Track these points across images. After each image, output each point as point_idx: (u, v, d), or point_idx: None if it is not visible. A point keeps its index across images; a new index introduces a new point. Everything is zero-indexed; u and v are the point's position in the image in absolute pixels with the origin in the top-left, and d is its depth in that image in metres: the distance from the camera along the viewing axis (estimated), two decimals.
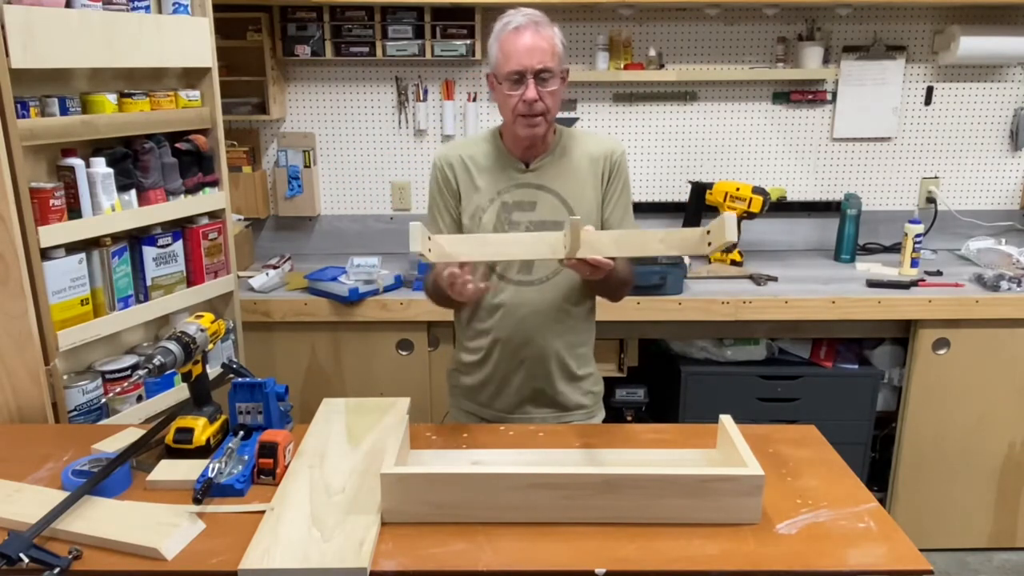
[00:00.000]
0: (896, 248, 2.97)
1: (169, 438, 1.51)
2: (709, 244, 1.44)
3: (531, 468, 1.32)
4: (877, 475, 2.82)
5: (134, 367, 1.94)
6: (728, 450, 1.41)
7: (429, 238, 1.46)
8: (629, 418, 2.76)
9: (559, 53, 1.66)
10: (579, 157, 1.76)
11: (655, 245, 1.49)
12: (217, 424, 1.55)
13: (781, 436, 1.59)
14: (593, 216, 1.75)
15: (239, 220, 2.93)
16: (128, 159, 1.93)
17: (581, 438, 1.58)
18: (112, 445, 1.54)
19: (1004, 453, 2.71)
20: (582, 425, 1.84)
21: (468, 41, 2.86)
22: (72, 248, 1.81)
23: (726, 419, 1.47)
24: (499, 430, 1.65)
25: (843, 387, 2.70)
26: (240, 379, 1.55)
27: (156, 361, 1.42)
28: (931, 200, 3.15)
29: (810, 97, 3.06)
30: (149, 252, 2.01)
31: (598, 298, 1.85)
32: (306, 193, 3.06)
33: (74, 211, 1.80)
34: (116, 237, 1.92)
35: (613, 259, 1.49)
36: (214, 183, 2.18)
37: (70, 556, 1.19)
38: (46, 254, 1.75)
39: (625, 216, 1.79)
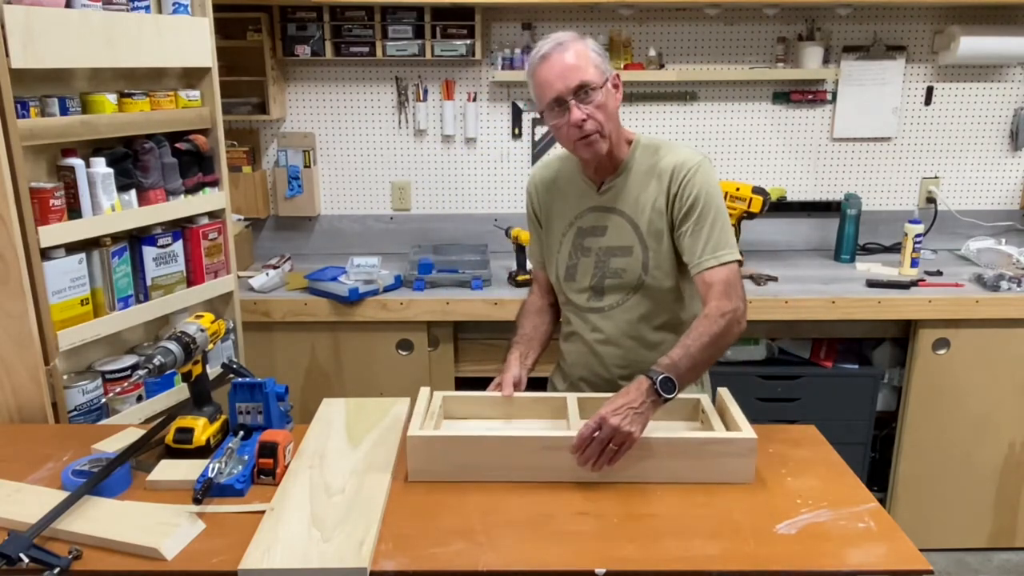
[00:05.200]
0: (896, 248, 2.97)
1: (169, 438, 1.51)
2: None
3: (546, 432, 1.44)
4: (877, 475, 2.82)
5: (134, 367, 1.94)
6: (727, 418, 1.51)
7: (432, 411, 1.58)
8: None
9: (596, 63, 1.54)
10: (648, 171, 1.64)
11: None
12: (217, 424, 1.55)
13: (781, 436, 1.59)
14: (663, 236, 1.62)
15: (239, 220, 2.93)
16: (128, 159, 1.93)
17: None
18: (112, 445, 1.54)
19: (1004, 453, 2.71)
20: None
21: (468, 41, 2.86)
22: (72, 248, 1.81)
23: (724, 391, 1.59)
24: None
25: (843, 387, 2.70)
26: (240, 379, 1.55)
27: (156, 361, 1.42)
28: (931, 200, 3.15)
29: (810, 97, 3.06)
30: (149, 252, 2.01)
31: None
32: (306, 193, 3.06)
33: (74, 211, 1.80)
34: (116, 237, 1.92)
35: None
36: (214, 183, 2.18)
37: (70, 556, 1.19)
38: (46, 254, 1.75)
39: (706, 244, 1.56)
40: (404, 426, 1.60)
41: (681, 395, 1.50)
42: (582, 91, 1.53)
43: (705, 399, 1.60)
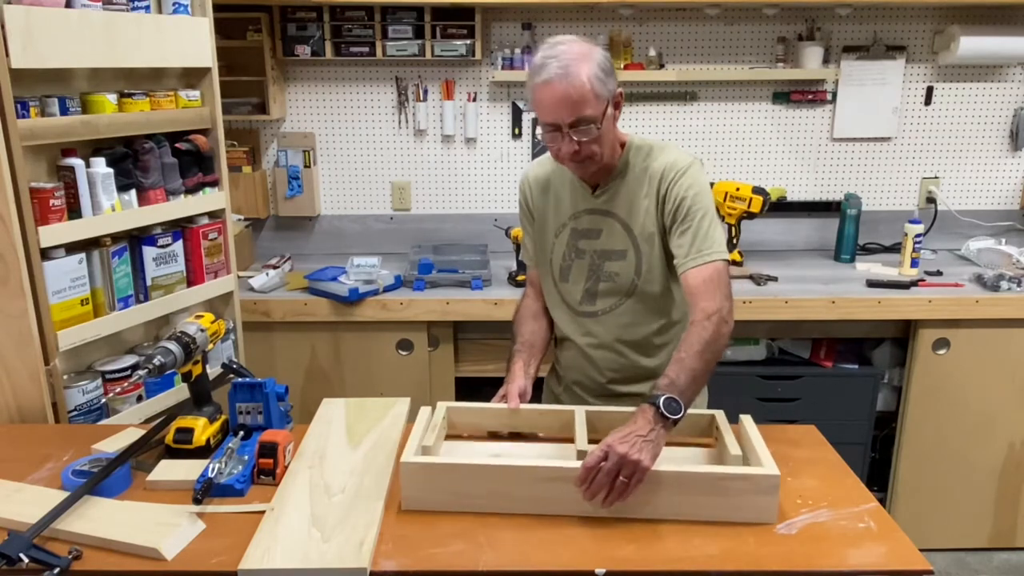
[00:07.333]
0: (896, 248, 2.97)
1: (169, 438, 1.51)
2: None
3: (548, 462, 1.35)
4: (877, 475, 2.82)
5: (134, 367, 1.94)
6: (746, 449, 1.41)
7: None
8: None
9: (598, 91, 1.49)
10: (641, 173, 1.62)
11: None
12: (217, 424, 1.55)
13: (781, 436, 1.59)
14: (655, 239, 1.62)
15: (239, 220, 2.93)
16: (128, 159, 1.93)
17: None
18: (112, 445, 1.54)
19: (1004, 453, 2.71)
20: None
21: (468, 41, 2.86)
22: (72, 248, 1.81)
23: (746, 419, 1.49)
24: None
25: (843, 387, 2.70)
26: (240, 379, 1.55)
27: (156, 361, 1.42)
28: (931, 200, 3.15)
29: (810, 97, 3.06)
30: (149, 252, 2.01)
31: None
32: (306, 193, 3.06)
33: (74, 211, 1.80)
34: (116, 237, 1.92)
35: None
36: (214, 183, 2.18)
37: (70, 556, 1.19)
38: (46, 254, 1.75)
39: (691, 244, 1.54)
40: (404, 428, 1.60)
41: (692, 411, 1.45)
42: (578, 125, 1.50)
43: (720, 415, 1.52)
